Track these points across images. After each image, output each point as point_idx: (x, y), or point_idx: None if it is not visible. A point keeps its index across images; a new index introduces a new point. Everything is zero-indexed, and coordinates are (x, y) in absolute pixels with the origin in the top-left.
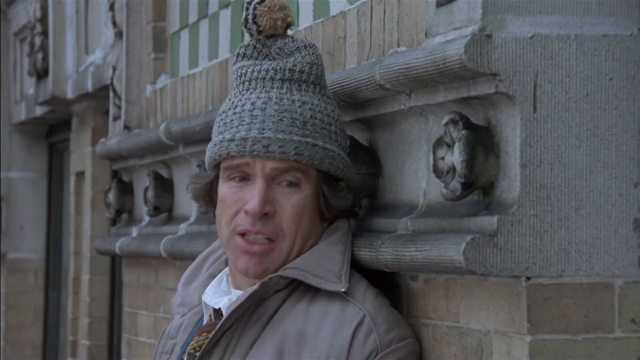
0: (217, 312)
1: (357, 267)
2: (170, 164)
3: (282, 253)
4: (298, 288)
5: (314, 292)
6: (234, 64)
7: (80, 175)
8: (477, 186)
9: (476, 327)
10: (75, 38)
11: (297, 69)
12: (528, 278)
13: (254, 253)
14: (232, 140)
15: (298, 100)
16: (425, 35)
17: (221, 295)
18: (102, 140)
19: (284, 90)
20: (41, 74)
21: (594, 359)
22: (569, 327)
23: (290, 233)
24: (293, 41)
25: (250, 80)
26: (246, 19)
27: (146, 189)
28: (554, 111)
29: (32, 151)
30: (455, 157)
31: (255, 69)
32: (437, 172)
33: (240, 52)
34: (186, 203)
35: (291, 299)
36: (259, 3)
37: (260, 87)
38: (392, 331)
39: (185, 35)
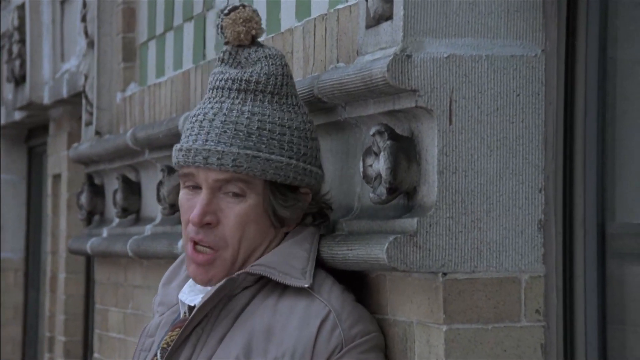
0: (191, 309)
1: (324, 265)
2: (138, 168)
3: (226, 262)
4: (267, 285)
5: (282, 288)
6: (215, 67)
7: (57, 177)
8: (401, 191)
9: (402, 319)
10: (51, 46)
11: (254, 80)
12: (444, 274)
13: (199, 263)
14: (180, 150)
15: (248, 111)
16: (357, 53)
17: (197, 293)
18: (75, 145)
19: (238, 101)
20: (19, 80)
21: (502, 345)
22: (481, 317)
23: (233, 242)
24: (256, 51)
25: (214, 89)
26: (217, 27)
27: (115, 192)
28: (468, 123)
29: (12, 154)
30: (381, 164)
31: (220, 77)
32: (367, 178)
33: (220, 56)
34: (153, 205)
35: (260, 295)
36: (226, 14)
37: (218, 96)
38: (356, 326)
39: (153, 45)
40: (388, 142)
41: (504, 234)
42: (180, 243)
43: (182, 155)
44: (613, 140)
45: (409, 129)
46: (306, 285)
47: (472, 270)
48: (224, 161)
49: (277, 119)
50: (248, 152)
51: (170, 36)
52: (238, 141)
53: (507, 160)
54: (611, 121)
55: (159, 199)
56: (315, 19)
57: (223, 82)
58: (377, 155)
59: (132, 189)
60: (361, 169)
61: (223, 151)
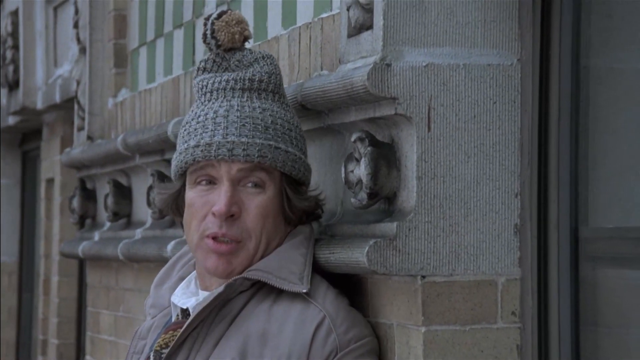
0: (185, 312)
1: (319, 269)
2: (129, 172)
3: (249, 252)
4: (262, 289)
5: (277, 292)
6: (195, 77)
7: (50, 182)
8: (381, 196)
9: (383, 320)
10: (44, 52)
11: (257, 79)
12: (423, 277)
13: (222, 253)
14: (197, 146)
15: (259, 107)
16: (339, 61)
17: (189, 296)
18: (67, 149)
19: (245, 99)
20: (12, 85)
21: (479, 346)
22: (458, 319)
23: (256, 233)
24: (251, 53)
25: (211, 92)
26: (205, 35)
27: (106, 196)
28: (446, 130)
29: (6, 158)
30: (362, 170)
31: (216, 80)
32: (348, 183)
33: (201, 66)
34: (143, 209)
35: (255, 299)
36: (216, 18)
37: (221, 97)
38: (351, 331)
39: (144, 52)
40: (369, 149)
41: (481, 237)
42: (170, 246)
43: (201, 151)
44: (586, 147)
45: (390, 136)
46: (304, 291)
47: (450, 273)
48: (250, 152)
49: (282, 115)
50: (271, 142)
51: (160, 43)
52: (259, 133)
53: (484, 166)
54: (584, 128)
55: (149, 203)
56: (300, 27)
57: (223, 83)
58: (358, 161)
59: (123, 193)
60: (343, 175)
61: (248, 142)
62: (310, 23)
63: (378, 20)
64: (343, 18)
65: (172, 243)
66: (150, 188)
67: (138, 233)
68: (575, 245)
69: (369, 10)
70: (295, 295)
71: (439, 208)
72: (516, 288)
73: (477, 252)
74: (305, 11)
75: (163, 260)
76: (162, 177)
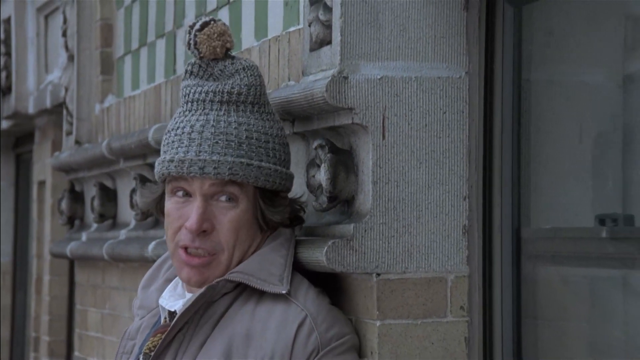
0: (172, 315)
1: (301, 268)
2: (114, 175)
3: (221, 265)
4: (245, 291)
5: (260, 294)
6: (183, 80)
7: (42, 184)
8: (340, 200)
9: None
10: (35, 58)
11: (235, 91)
12: (378, 274)
13: (194, 265)
14: (171, 161)
15: (234, 122)
16: (302, 73)
17: (177, 298)
18: (56, 153)
19: (222, 112)
20: (5, 91)
21: (430, 339)
22: (411, 313)
23: (228, 247)
24: (232, 64)
25: (192, 102)
26: (189, 44)
27: (93, 198)
28: (399, 138)
29: (0, 161)
30: (322, 175)
31: (197, 90)
32: (310, 187)
33: (188, 69)
34: (128, 211)
35: (239, 301)
36: (199, 30)
37: (200, 109)
38: (332, 329)
39: (129, 60)
40: (328, 155)
41: (432, 238)
42: (151, 247)
43: (175, 167)
44: (528, 153)
45: (349, 143)
46: (284, 292)
47: (403, 271)
48: (221, 170)
49: (260, 127)
50: (242, 160)
51: (144, 51)
52: (231, 150)
53: (435, 172)
54: (526, 136)
55: (132, 206)
56: (270, 39)
57: (203, 94)
58: (319, 166)
59: (108, 195)
60: (305, 179)
61: (219, 160)
62: (279, 36)
63: (336, 36)
64: (305, 33)
65: (153, 243)
66: (133, 191)
67: (122, 234)
68: (517, 245)
69: (328, 26)
70: (278, 296)
71: (393, 210)
72: (464, 284)
73: (428, 251)
74: (275, 25)
75: (145, 260)
76: (145, 181)
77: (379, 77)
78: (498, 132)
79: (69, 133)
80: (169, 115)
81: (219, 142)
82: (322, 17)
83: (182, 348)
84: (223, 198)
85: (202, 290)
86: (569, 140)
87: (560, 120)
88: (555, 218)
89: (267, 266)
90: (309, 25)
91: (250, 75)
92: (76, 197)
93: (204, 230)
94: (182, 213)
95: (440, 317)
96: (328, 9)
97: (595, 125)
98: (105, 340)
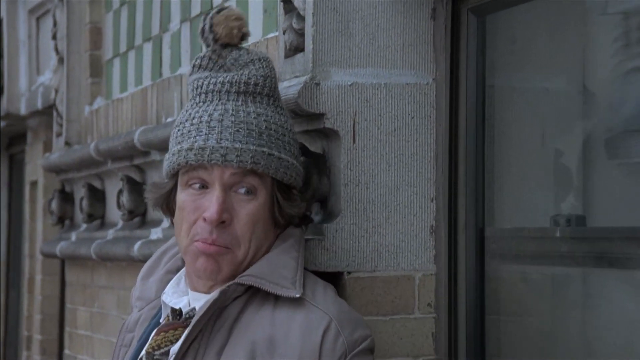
0: (175, 312)
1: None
2: (103, 176)
3: (236, 258)
4: (257, 294)
5: (275, 297)
6: (190, 75)
7: (34, 184)
8: (314, 201)
9: None
10: (27, 60)
11: (252, 82)
12: (349, 272)
13: (210, 254)
14: (190, 149)
15: (253, 112)
16: (279, 79)
17: (180, 295)
18: (47, 154)
19: (240, 103)
20: None
21: (398, 334)
22: (380, 310)
23: (245, 241)
24: (248, 53)
25: (206, 93)
26: (203, 29)
27: (82, 199)
28: (369, 142)
29: None
30: None
31: (211, 82)
32: None
33: (196, 63)
34: (115, 211)
35: (252, 305)
36: (216, 12)
37: (216, 99)
38: (356, 332)
39: (117, 63)
40: (302, 158)
41: (400, 237)
42: (137, 246)
43: (194, 155)
44: (492, 157)
45: (322, 147)
46: (297, 295)
47: (373, 269)
48: (243, 158)
49: (277, 120)
50: (264, 149)
51: (132, 54)
52: (252, 139)
53: (404, 174)
54: (489, 140)
55: (119, 206)
56: (249, 45)
57: (219, 85)
58: None
59: (97, 196)
60: None
61: (241, 148)
62: (258, 42)
63: (308, 43)
64: (280, 41)
65: (139, 243)
66: (120, 191)
67: (110, 234)
68: (481, 244)
69: (301, 34)
70: (295, 299)
71: (363, 211)
72: (431, 282)
73: (397, 251)
74: (255, 31)
75: (131, 260)
76: (132, 182)
77: (349, 83)
78: (463, 136)
79: (59, 134)
80: (154, 118)
81: (240, 130)
82: (295, 25)
83: (198, 355)
84: (242, 190)
85: (215, 296)
86: (530, 144)
87: (523, 124)
88: (517, 218)
89: (279, 269)
90: (284, 33)
91: (266, 67)
92: (66, 197)
93: (222, 222)
94: (199, 205)
95: (409, 313)
96: (301, 18)
97: (556, 130)
98: (94, 339)
